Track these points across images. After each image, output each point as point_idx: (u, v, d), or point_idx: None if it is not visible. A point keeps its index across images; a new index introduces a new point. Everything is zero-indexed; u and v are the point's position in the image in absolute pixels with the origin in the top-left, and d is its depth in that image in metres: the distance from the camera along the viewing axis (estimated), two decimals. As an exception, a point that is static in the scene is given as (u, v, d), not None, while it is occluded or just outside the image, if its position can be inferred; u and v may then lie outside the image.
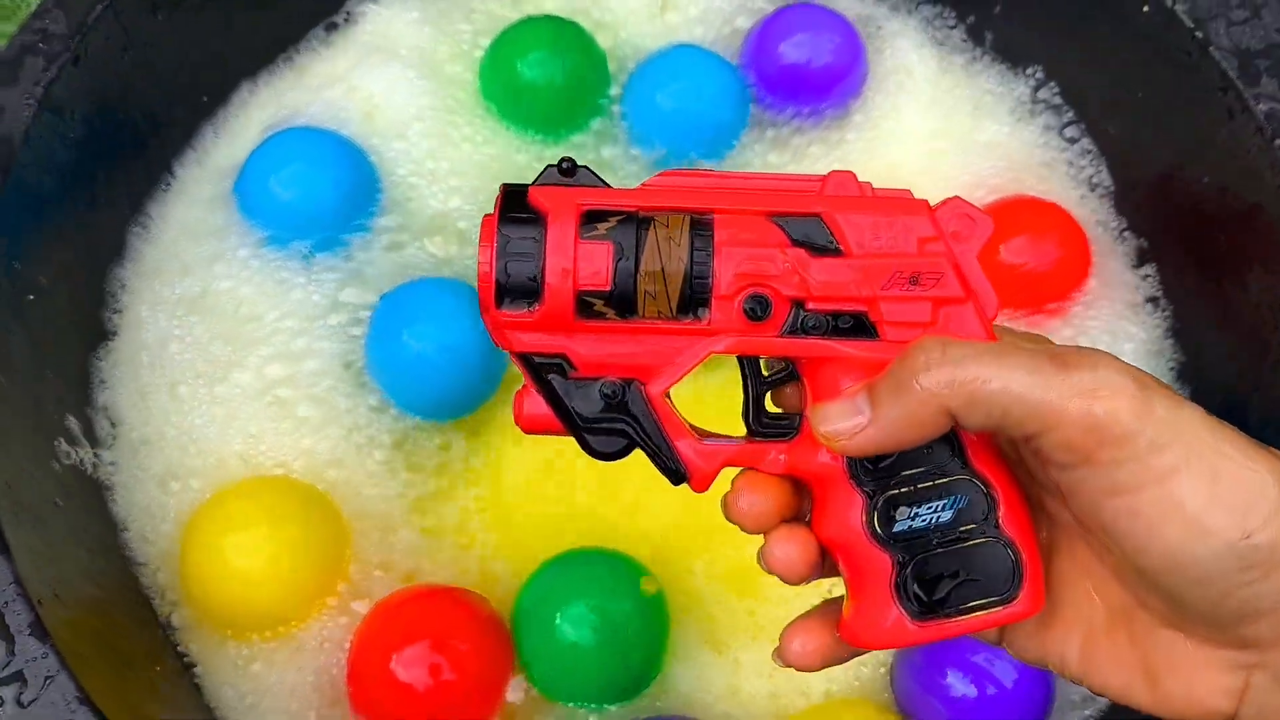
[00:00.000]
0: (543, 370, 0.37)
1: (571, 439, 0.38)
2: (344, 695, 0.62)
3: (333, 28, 0.84)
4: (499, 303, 0.37)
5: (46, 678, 0.50)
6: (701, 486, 0.39)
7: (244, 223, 0.75)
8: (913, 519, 0.37)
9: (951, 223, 0.37)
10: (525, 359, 0.37)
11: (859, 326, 0.37)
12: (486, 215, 0.37)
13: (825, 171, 0.79)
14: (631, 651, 0.62)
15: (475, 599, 0.63)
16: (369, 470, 0.69)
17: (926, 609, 0.37)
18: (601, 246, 0.36)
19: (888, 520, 0.37)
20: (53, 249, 0.67)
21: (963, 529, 0.37)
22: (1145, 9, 0.71)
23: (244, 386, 0.70)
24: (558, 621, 0.61)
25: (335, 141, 0.77)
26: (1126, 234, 0.79)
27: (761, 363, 0.39)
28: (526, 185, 0.37)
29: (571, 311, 0.37)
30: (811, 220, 0.37)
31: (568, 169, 0.38)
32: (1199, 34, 0.68)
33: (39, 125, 0.65)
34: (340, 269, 0.74)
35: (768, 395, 0.41)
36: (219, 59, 0.79)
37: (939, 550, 0.37)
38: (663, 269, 0.36)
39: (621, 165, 0.81)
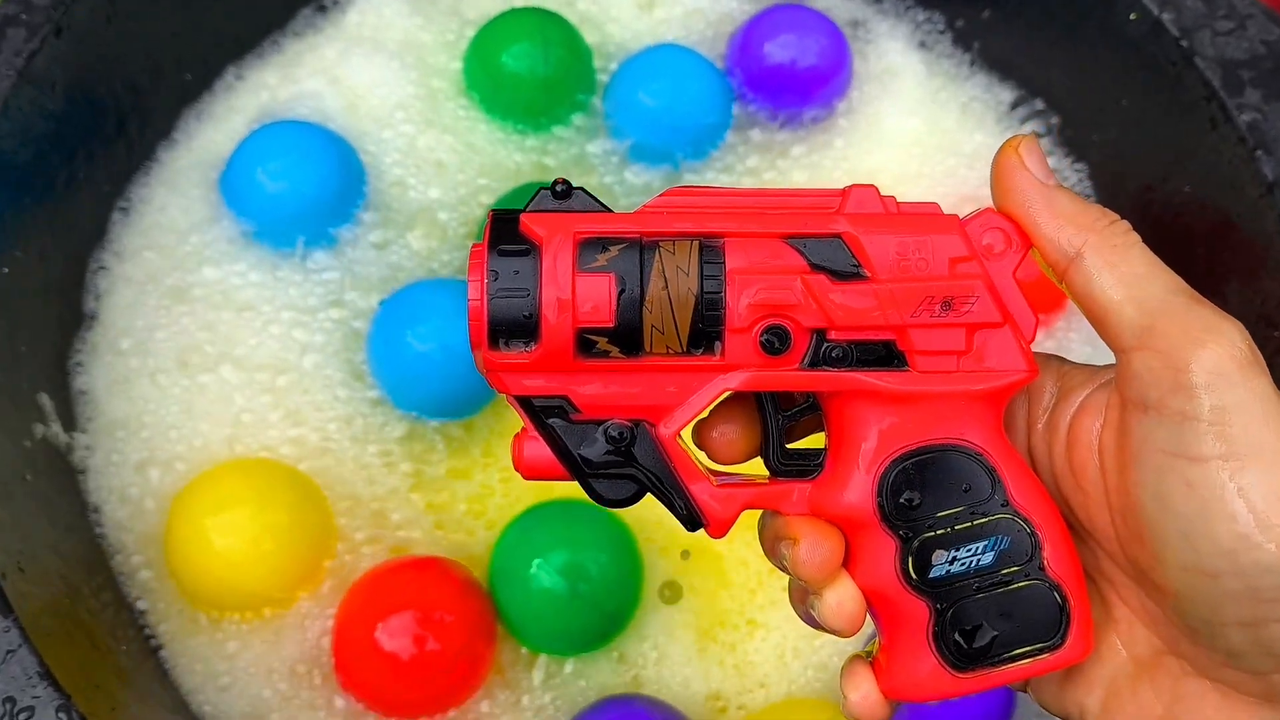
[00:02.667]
0: (543, 414, 0.34)
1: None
2: (327, 676, 0.63)
3: (320, 11, 0.84)
4: (492, 343, 0.34)
5: (8, 651, 0.50)
6: (719, 532, 0.36)
7: (230, 214, 0.75)
8: (951, 563, 0.34)
9: (985, 237, 0.35)
10: (524, 402, 0.34)
11: (887, 356, 0.34)
12: (475, 244, 0.34)
13: (808, 174, 0.81)
14: (604, 598, 0.64)
15: (455, 567, 0.64)
16: (362, 459, 0.68)
17: (967, 658, 0.35)
18: (602, 279, 0.33)
19: (923, 565, 0.35)
20: (29, 223, 0.66)
21: (1005, 572, 0.35)
22: (1132, 17, 0.72)
23: (226, 378, 0.70)
24: (531, 570, 0.63)
25: (321, 135, 0.76)
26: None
27: (782, 396, 0.37)
28: (517, 211, 0.34)
29: (571, 350, 0.34)
30: (832, 242, 0.34)
31: (562, 191, 0.34)
32: (1184, 43, 0.69)
33: (18, 97, 0.64)
34: (326, 262, 0.74)
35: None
36: (204, 40, 0.79)
37: (979, 595, 0.35)
38: (670, 301, 0.33)
39: (604, 161, 0.81)
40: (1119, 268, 0.33)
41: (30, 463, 0.62)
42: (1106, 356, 0.35)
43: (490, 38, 0.81)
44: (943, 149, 0.82)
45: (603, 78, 0.83)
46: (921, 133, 0.83)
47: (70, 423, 0.67)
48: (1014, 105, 0.83)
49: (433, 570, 0.64)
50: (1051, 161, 0.82)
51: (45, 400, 0.65)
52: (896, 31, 0.87)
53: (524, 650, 0.65)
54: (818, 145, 0.82)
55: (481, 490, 0.69)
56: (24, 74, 0.64)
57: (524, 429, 0.35)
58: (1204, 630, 0.33)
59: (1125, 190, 0.77)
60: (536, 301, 0.33)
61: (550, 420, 0.34)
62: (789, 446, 0.37)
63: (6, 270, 0.63)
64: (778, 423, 0.37)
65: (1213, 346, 0.32)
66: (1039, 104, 0.82)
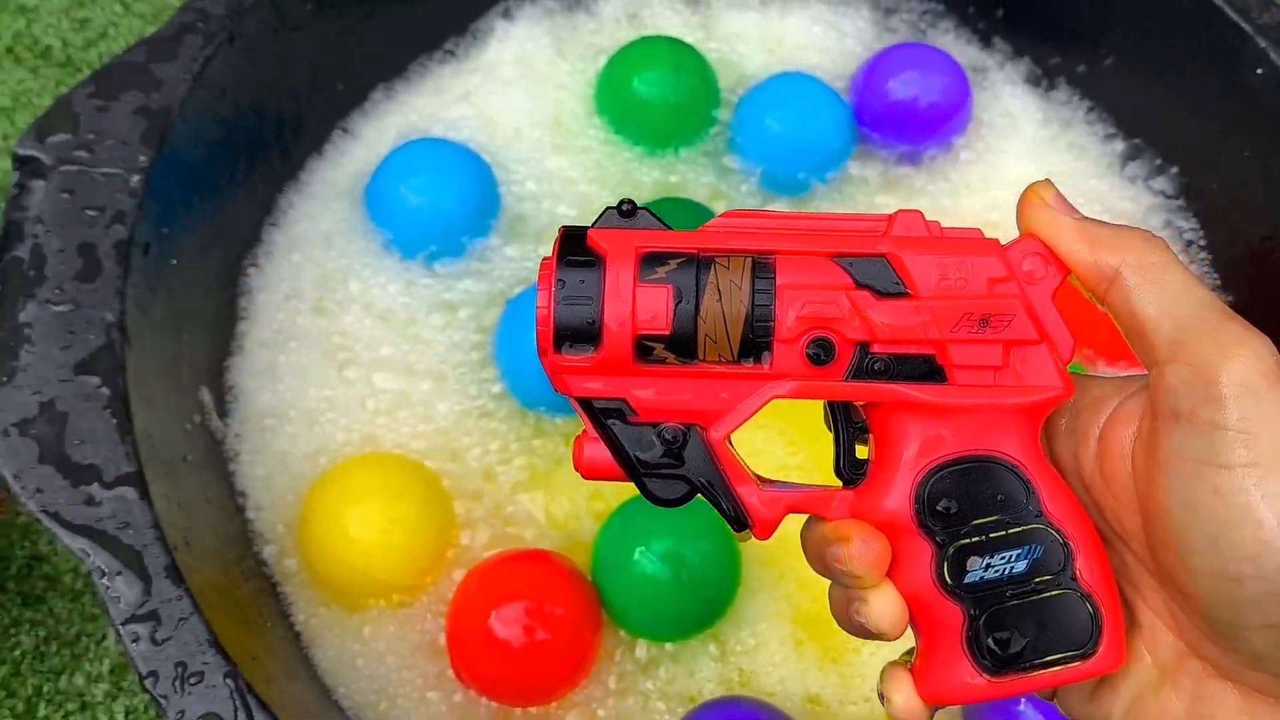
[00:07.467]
0: (603, 415, 0.37)
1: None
2: (448, 661, 0.65)
3: (465, 39, 0.87)
4: (557, 347, 0.36)
5: (180, 619, 0.53)
6: (764, 534, 0.38)
7: (370, 225, 0.79)
8: (985, 570, 0.36)
9: (1025, 262, 0.36)
10: (585, 404, 0.37)
11: (928, 371, 0.36)
12: (545, 258, 0.36)
13: (928, 201, 0.83)
14: (704, 586, 0.66)
15: (563, 559, 0.67)
16: (484, 458, 0.71)
17: (1000, 663, 0.36)
18: (661, 290, 0.35)
19: (959, 571, 0.36)
20: (194, 221, 0.70)
21: (1038, 580, 0.36)
22: (1259, 72, 0.73)
23: (364, 377, 0.74)
24: (634, 558, 0.65)
25: (461, 153, 0.80)
26: (1218, 294, 0.80)
27: (853, 408, 0.38)
28: (585, 228, 0.37)
29: (630, 356, 0.36)
30: (877, 261, 0.36)
31: (628, 211, 0.37)
32: (1313, 98, 0.70)
33: (193, 100, 0.68)
34: (462, 273, 0.78)
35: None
36: (358, 59, 0.83)
37: (1013, 602, 0.36)
38: (723, 312, 0.35)
39: (729, 182, 0.83)
40: (1156, 284, 0.35)
41: (191, 445, 0.65)
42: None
43: (623, 64, 0.85)
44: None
45: (731, 98, 0.86)
46: (1037, 175, 0.84)
47: (222, 411, 0.70)
48: (1131, 154, 0.85)
49: (543, 563, 0.67)
50: (1166, 212, 0.83)
51: (203, 388, 0.69)
52: (1015, 75, 0.89)
53: (623, 634, 0.68)
54: (935, 179, 0.85)
55: (592, 485, 0.72)
56: (199, 79, 0.68)
57: (584, 431, 0.37)
58: (1228, 633, 0.34)
59: (1243, 240, 0.78)
60: (599, 309, 0.35)
61: (609, 421, 0.36)
62: (858, 456, 0.39)
63: (175, 261, 0.67)
64: (848, 433, 0.38)
65: (1242, 359, 0.33)
66: (1156, 152, 0.84)
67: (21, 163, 0.63)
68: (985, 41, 0.90)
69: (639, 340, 0.36)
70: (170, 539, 0.55)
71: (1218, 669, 0.35)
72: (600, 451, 0.37)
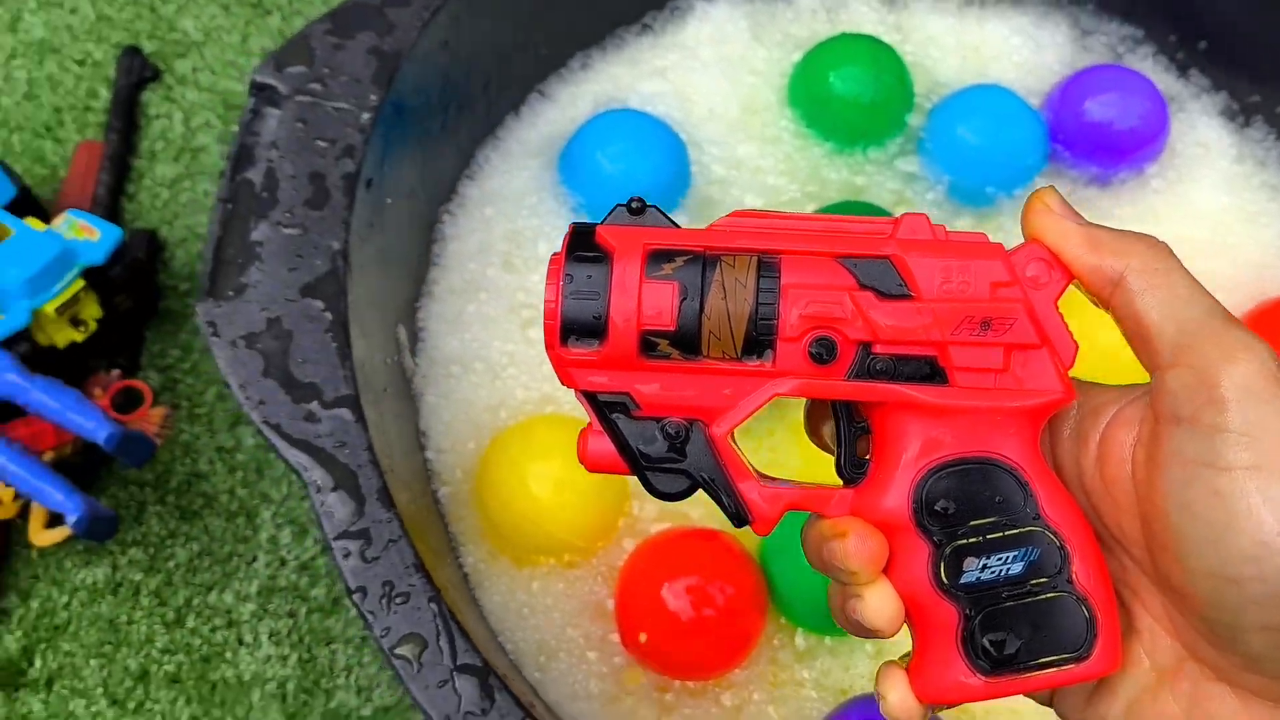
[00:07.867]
0: (607, 409, 0.37)
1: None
2: (614, 627, 0.66)
3: (664, 15, 0.88)
4: (564, 340, 0.36)
5: (390, 541, 0.54)
6: (764, 530, 0.38)
7: (562, 188, 0.80)
8: (981, 570, 0.36)
9: (1029, 267, 0.36)
10: (590, 397, 0.37)
11: (928, 371, 0.36)
12: (554, 254, 0.37)
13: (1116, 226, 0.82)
14: None
15: (735, 540, 0.68)
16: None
17: (995, 664, 0.36)
18: (667, 286, 0.36)
19: (955, 571, 0.36)
20: (406, 165, 0.72)
21: (1034, 582, 0.36)
22: None
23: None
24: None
25: (659, 127, 0.81)
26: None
27: (855, 408, 0.39)
28: (594, 224, 0.37)
29: (635, 351, 0.36)
30: (881, 263, 0.36)
31: (637, 208, 0.37)
32: None
33: (420, 47, 0.70)
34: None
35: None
36: (560, 25, 0.84)
37: (1008, 603, 0.36)
38: (728, 310, 0.36)
39: (914, 192, 0.83)
40: (1160, 290, 0.35)
41: (390, 379, 0.67)
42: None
43: (821, 58, 0.85)
44: (1250, 229, 0.83)
45: (923, 103, 0.86)
46: (1230, 210, 0.84)
47: (413, 351, 0.72)
48: (1327, 198, 0.83)
49: (716, 542, 0.67)
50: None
51: (400, 326, 0.70)
52: (1211, 108, 0.88)
53: (784, 621, 0.68)
54: (1123, 204, 0.84)
55: (764, 470, 0.72)
56: (427, 27, 0.70)
57: (589, 425, 0.37)
58: (1226, 635, 0.34)
59: None
60: (606, 304, 0.36)
61: (613, 415, 0.37)
62: (860, 456, 0.39)
63: (389, 200, 0.68)
64: (849, 433, 0.39)
65: (1244, 363, 0.33)
66: (1353, 200, 0.83)
67: (258, 89, 0.65)
68: (1182, 71, 0.89)
69: (644, 335, 0.36)
70: (382, 464, 0.56)
71: (1215, 671, 0.35)
72: (604, 445, 0.37)
